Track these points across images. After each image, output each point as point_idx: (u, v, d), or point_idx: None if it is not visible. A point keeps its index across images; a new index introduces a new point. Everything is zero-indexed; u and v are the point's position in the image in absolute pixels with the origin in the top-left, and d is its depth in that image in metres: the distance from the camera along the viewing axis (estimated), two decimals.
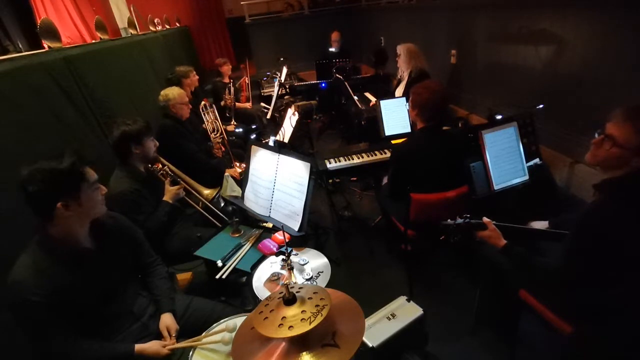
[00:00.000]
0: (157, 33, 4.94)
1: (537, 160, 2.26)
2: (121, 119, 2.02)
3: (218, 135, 3.39)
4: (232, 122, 4.36)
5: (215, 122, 3.44)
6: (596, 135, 1.28)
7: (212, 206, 2.31)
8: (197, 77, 4.03)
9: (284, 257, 1.51)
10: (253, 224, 2.11)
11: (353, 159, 2.75)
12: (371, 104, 3.87)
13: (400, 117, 2.89)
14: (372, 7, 6.40)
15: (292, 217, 1.86)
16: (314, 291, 0.97)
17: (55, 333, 1.27)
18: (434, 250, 2.57)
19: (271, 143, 2.74)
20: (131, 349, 1.37)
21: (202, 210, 2.28)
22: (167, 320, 1.50)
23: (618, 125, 1.21)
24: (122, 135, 1.96)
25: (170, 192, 2.10)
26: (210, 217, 2.27)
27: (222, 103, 4.43)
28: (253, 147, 2.14)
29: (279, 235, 1.87)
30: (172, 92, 2.88)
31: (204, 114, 3.41)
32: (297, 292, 0.96)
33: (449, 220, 1.59)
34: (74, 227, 1.32)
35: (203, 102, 3.48)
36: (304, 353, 0.88)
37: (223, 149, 3.35)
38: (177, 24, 6.73)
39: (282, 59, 5.58)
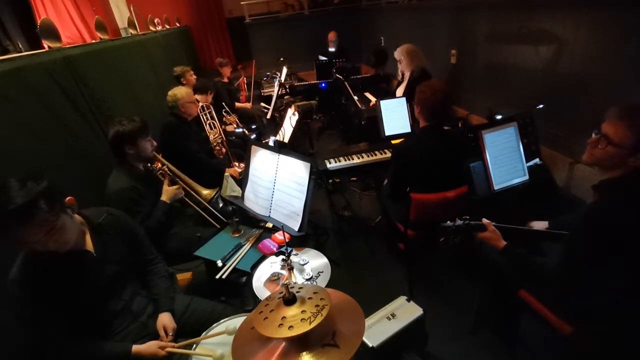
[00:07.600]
0: (157, 33, 4.93)
1: (537, 160, 2.26)
2: (118, 119, 2.01)
3: (217, 136, 3.38)
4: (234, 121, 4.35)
5: (213, 123, 3.43)
6: (593, 134, 1.29)
7: (210, 207, 2.30)
8: (194, 77, 4.03)
9: (284, 257, 1.51)
10: (253, 224, 2.11)
11: (353, 159, 2.75)
12: (371, 104, 3.86)
13: (400, 117, 2.89)
14: (372, 7, 6.39)
15: (292, 217, 1.86)
16: (314, 291, 0.97)
17: (51, 331, 1.27)
18: (434, 250, 2.57)
19: (271, 143, 2.73)
20: (128, 349, 1.36)
21: (200, 211, 2.28)
22: (164, 319, 1.49)
23: (613, 124, 1.21)
24: (115, 136, 1.95)
25: (168, 192, 2.09)
26: (209, 218, 2.27)
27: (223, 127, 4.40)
28: (253, 147, 2.14)
29: (279, 235, 1.87)
30: (180, 92, 2.88)
31: (202, 115, 3.40)
32: (297, 292, 0.96)
33: (448, 222, 1.59)
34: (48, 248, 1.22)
35: (201, 104, 3.47)
36: (304, 353, 0.88)
37: (224, 150, 3.34)
38: (177, 24, 6.72)
39: (282, 59, 5.58)
